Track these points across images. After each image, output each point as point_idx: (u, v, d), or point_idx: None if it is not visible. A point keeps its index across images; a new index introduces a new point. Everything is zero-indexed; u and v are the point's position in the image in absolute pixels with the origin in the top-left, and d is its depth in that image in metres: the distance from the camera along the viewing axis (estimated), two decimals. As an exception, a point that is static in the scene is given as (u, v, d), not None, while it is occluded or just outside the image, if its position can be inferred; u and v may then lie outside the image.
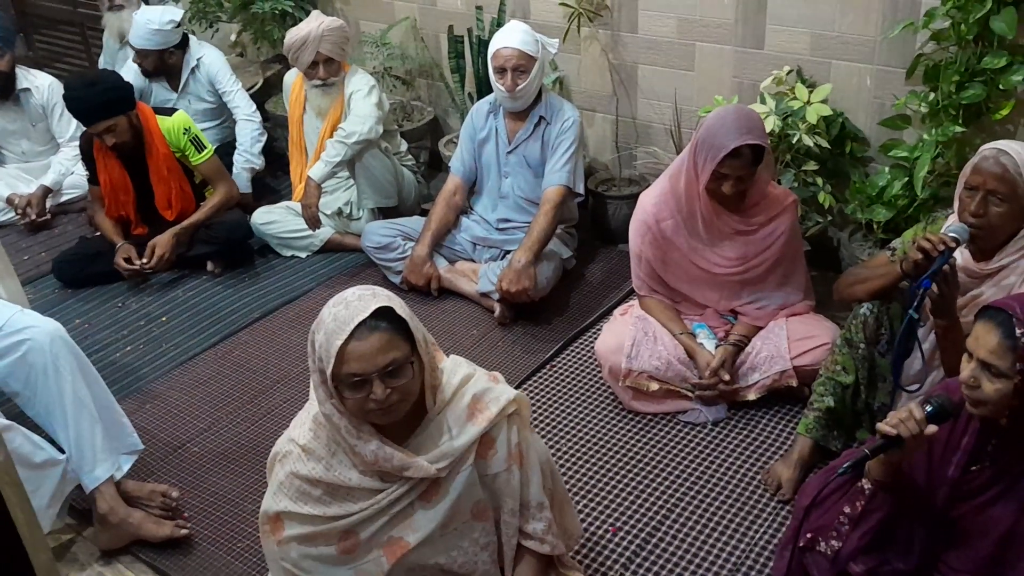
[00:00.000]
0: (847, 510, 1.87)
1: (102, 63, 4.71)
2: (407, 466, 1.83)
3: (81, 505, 2.57)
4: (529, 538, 2.01)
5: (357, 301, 1.75)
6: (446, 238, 3.60)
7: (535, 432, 2.07)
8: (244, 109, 4.24)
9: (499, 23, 3.87)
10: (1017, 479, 1.76)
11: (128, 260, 3.62)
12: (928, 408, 1.75)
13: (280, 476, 1.90)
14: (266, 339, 3.39)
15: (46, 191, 4.30)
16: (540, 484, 1.99)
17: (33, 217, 4.21)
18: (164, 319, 3.53)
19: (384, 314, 1.75)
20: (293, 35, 3.70)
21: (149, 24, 4.02)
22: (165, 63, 4.16)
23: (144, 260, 3.61)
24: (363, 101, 3.73)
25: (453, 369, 1.93)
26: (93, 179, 3.76)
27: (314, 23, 3.67)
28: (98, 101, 3.42)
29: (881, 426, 1.75)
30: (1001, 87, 2.83)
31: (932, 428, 1.73)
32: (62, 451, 2.43)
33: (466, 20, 4.13)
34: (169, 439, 2.89)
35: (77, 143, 3.97)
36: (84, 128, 3.62)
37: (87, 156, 3.72)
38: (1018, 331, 1.65)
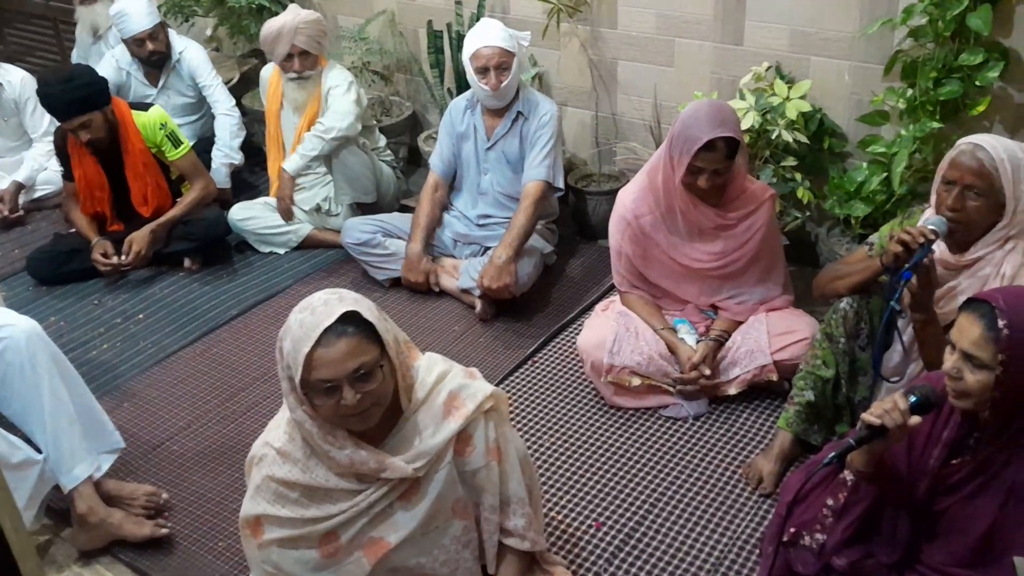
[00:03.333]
0: (830, 502, 1.88)
1: (75, 58, 4.65)
2: (383, 468, 1.83)
3: (59, 505, 2.54)
4: (510, 535, 2.00)
5: (323, 306, 1.74)
6: (427, 235, 3.59)
7: (513, 428, 2.07)
8: (224, 104, 4.21)
9: (478, 18, 3.85)
10: (998, 472, 1.77)
11: (105, 255, 3.59)
12: (912, 399, 1.76)
13: (257, 480, 1.89)
14: (245, 336, 3.36)
15: (19, 187, 4.24)
16: (520, 480, 1.99)
17: (6, 213, 4.16)
18: (141, 316, 3.49)
19: (351, 318, 1.73)
20: (268, 27, 3.69)
21: (139, 1, 4.00)
22: (167, 39, 4.14)
23: (121, 256, 3.58)
24: (342, 98, 3.72)
25: (428, 367, 1.92)
26: (68, 175, 3.71)
27: (290, 15, 3.66)
28: (73, 96, 3.38)
29: (865, 416, 1.77)
30: (978, 83, 2.86)
31: (916, 419, 1.75)
32: (39, 451, 2.39)
33: (445, 14, 4.11)
34: (148, 438, 2.86)
35: (51, 138, 3.93)
36: (58, 123, 3.57)
37: (62, 152, 3.67)
38: (1000, 323, 1.67)
